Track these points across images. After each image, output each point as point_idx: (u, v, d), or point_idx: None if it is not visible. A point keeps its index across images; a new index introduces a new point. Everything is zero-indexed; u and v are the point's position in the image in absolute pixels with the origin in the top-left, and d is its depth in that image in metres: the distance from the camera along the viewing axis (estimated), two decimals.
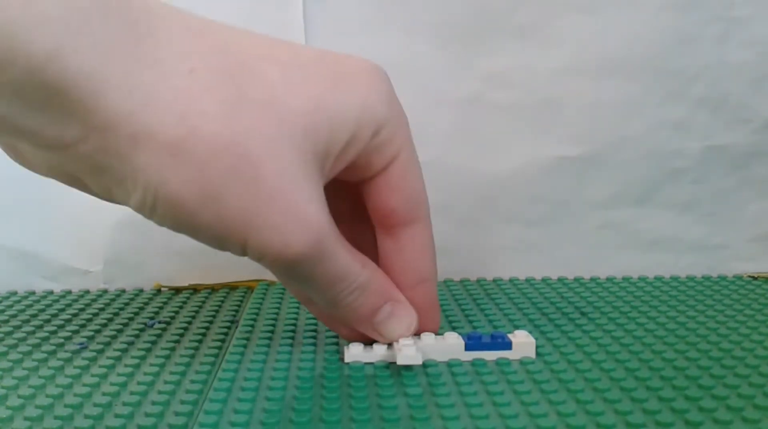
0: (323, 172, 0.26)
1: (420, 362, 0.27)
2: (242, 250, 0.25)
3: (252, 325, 0.34)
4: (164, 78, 0.23)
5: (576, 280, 0.43)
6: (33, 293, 0.42)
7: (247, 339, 0.32)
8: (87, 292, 0.42)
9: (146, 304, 0.39)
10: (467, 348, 0.29)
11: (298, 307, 0.37)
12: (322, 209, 0.25)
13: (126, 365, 0.28)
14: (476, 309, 0.37)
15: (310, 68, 0.26)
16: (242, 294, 0.41)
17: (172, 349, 0.31)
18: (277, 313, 0.36)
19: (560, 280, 0.43)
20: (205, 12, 0.43)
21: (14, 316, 0.36)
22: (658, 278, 0.44)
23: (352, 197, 0.29)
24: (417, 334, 0.29)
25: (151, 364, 0.28)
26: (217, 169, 0.23)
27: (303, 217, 0.24)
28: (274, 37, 0.27)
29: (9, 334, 0.33)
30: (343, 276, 0.27)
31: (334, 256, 0.26)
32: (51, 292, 0.42)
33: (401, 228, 0.28)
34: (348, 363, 0.29)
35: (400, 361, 0.27)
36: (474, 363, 0.28)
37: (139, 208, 0.24)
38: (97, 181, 0.24)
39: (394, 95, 0.28)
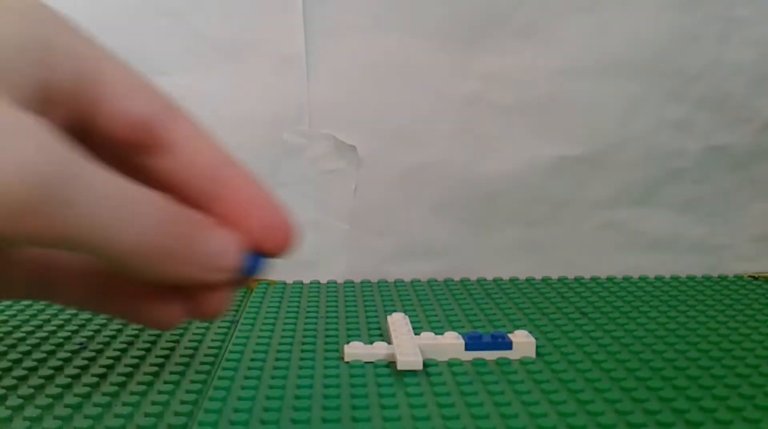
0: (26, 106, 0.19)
1: (420, 367, 0.27)
2: None
3: (252, 325, 0.34)
4: None
5: (576, 279, 0.43)
6: None
7: (247, 339, 0.32)
8: None
9: None
10: (467, 348, 0.29)
11: (298, 307, 0.37)
12: (41, 131, 0.19)
13: (126, 365, 0.28)
14: (476, 308, 0.37)
15: None
16: (242, 294, 0.41)
17: (172, 349, 0.30)
18: (277, 313, 0.36)
19: (560, 279, 0.43)
20: (207, 12, 0.43)
21: (14, 316, 0.36)
22: (659, 278, 0.44)
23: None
24: (264, 252, 0.23)
25: (151, 364, 0.28)
26: None
27: (13, 139, 0.18)
28: None
29: (8, 334, 0.33)
30: (121, 197, 0.20)
31: (95, 176, 0.19)
32: None
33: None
34: (348, 362, 0.29)
35: (400, 367, 0.27)
36: (474, 363, 0.28)
37: None
38: None
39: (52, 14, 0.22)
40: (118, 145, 0.22)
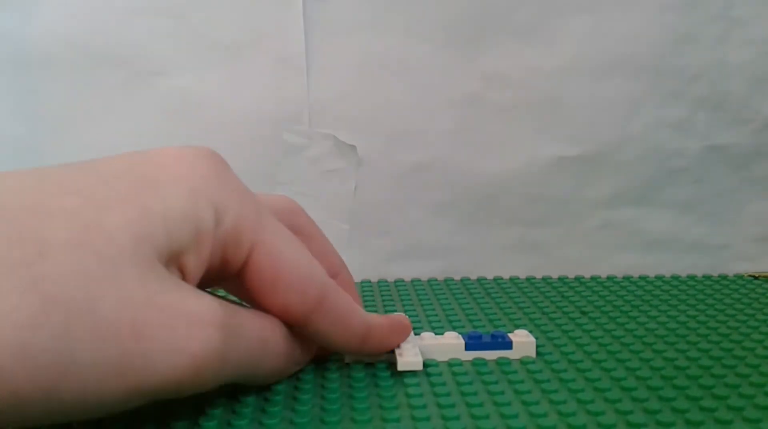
0: (181, 272, 0.22)
1: (421, 368, 0.27)
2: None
3: None
4: None
5: (577, 279, 0.43)
6: None
7: None
8: None
9: None
10: (467, 347, 0.29)
11: None
12: (200, 298, 0.21)
13: None
14: (477, 308, 0.37)
15: (117, 180, 0.21)
16: None
17: None
18: None
19: (561, 279, 0.43)
20: (207, 12, 0.43)
21: None
22: (659, 277, 0.44)
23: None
24: None
25: None
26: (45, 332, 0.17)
27: (184, 318, 0.20)
28: (67, 167, 0.21)
29: None
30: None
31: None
32: None
33: None
34: (348, 363, 0.29)
35: (400, 368, 0.27)
36: (474, 362, 0.28)
37: None
38: None
39: (230, 174, 0.24)
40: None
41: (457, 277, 0.44)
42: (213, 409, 0.24)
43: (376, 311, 0.36)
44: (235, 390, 0.25)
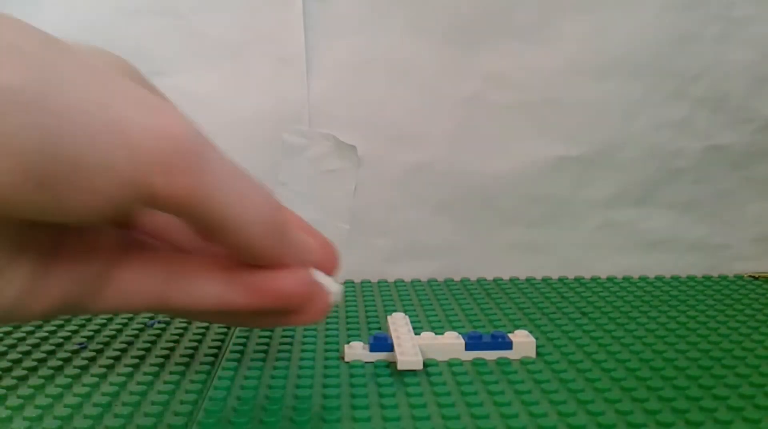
0: None
1: (421, 367, 0.27)
2: (126, 149, 0.19)
3: None
4: None
5: (576, 279, 0.43)
6: None
7: (247, 339, 0.32)
8: None
9: None
10: (467, 347, 0.29)
11: None
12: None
13: (126, 365, 0.28)
14: (477, 308, 0.37)
15: None
16: None
17: (172, 349, 0.30)
18: None
19: (561, 279, 0.43)
20: (207, 12, 0.43)
21: None
22: (659, 278, 0.44)
23: None
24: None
25: (151, 364, 0.28)
26: (31, 48, 0.18)
27: (171, 108, 0.20)
28: None
29: (8, 334, 0.33)
30: (247, 182, 0.22)
31: (220, 156, 0.21)
32: None
33: None
34: (348, 362, 0.29)
35: (400, 367, 0.27)
36: (474, 362, 0.28)
37: None
38: None
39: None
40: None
41: (457, 278, 0.44)
42: (213, 406, 0.24)
43: (376, 312, 0.36)
44: (236, 389, 0.25)
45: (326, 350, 0.30)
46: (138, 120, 0.19)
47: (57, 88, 0.18)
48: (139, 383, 0.26)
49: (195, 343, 0.31)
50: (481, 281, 0.43)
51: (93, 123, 0.18)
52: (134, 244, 0.24)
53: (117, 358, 0.29)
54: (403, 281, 0.43)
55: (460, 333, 0.30)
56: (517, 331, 0.30)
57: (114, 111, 0.19)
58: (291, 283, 0.23)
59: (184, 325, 0.34)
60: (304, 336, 0.32)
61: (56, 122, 0.18)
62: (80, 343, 0.31)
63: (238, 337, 0.32)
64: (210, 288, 0.23)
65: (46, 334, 0.33)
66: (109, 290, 0.22)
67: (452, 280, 0.43)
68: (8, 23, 0.19)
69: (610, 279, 0.43)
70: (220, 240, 0.22)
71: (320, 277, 0.25)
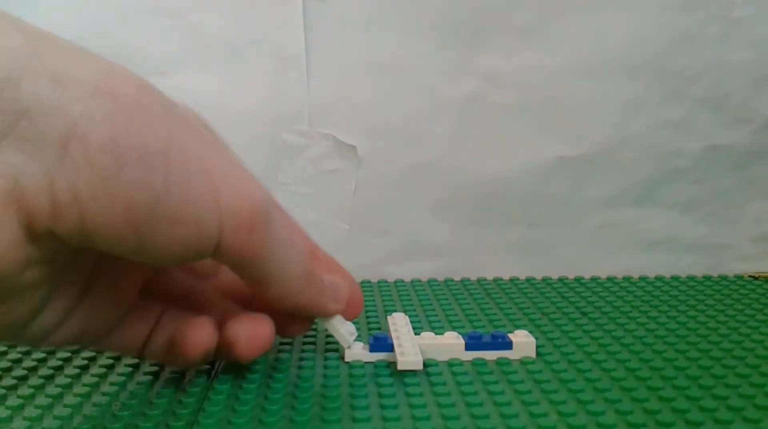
0: None
1: (421, 367, 0.27)
2: (217, 213, 0.21)
3: None
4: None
5: (576, 279, 0.43)
6: None
7: None
8: None
9: None
10: (468, 348, 0.29)
11: None
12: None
13: (126, 365, 0.28)
14: (477, 309, 0.37)
15: None
16: None
17: None
18: None
19: (561, 279, 0.43)
20: (207, 12, 0.43)
21: None
22: (659, 278, 0.44)
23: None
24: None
25: (151, 364, 0.28)
26: (158, 108, 0.21)
27: (250, 173, 0.23)
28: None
29: None
30: (291, 233, 0.25)
31: (278, 214, 0.24)
32: None
33: None
34: (348, 363, 0.29)
35: (400, 367, 0.27)
36: (474, 363, 0.28)
37: (99, 185, 0.19)
38: (37, 168, 0.19)
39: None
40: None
41: (457, 278, 0.44)
42: (212, 407, 0.24)
43: (376, 313, 0.36)
44: (236, 389, 0.25)
45: (326, 350, 0.30)
46: (230, 186, 0.21)
47: (176, 153, 0.20)
48: (139, 383, 0.26)
49: None
50: (481, 281, 0.43)
51: (195, 187, 0.21)
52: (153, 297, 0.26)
53: (117, 358, 0.29)
54: (403, 281, 0.43)
55: (460, 333, 0.30)
56: (517, 331, 0.30)
57: (213, 177, 0.21)
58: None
59: None
60: (304, 336, 0.32)
61: (167, 182, 0.20)
62: None
63: None
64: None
65: None
66: (121, 333, 0.25)
67: (452, 280, 0.43)
68: (133, 82, 0.21)
69: (610, 279, 0.43)
70: (271, 290, 0.24)
71: (342, 326, 0.28)
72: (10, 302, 0.20)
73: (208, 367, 0.28)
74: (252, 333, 0.25)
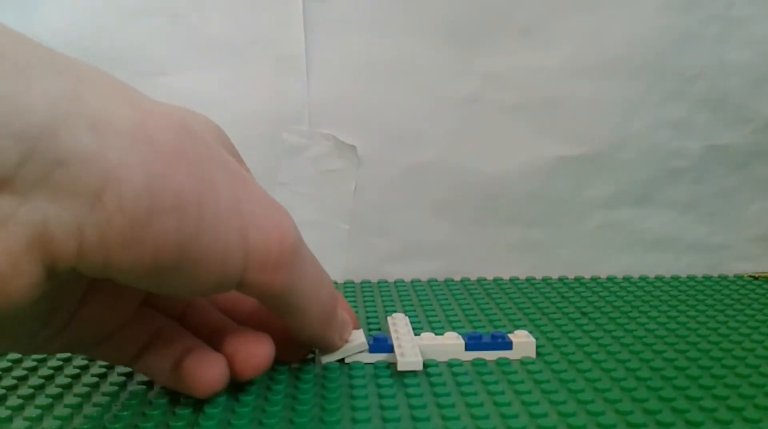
0: None
1: (421, 368, 0.27)
2: (243, 251, 0.21)
3: None
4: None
5: (576, 279, 0.43)
6: None
7: None
8: None
9: None
10: (467, 348, 0.29)
11: None
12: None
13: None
14: (477, 309, 0.37)
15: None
16: None
17: None
18: None
19: (561, 279, 0.43)
20: (207, 12, 0.43)
21: None
22: (659, 278, 0.44)
23: None
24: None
25: None
26: (192, 148, 0.20)
27: (281, 208, 0.23)
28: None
29: None
30: (319, 269, 0.25)
31: (306, 249, 0.24)
32: None
33: None
34: (348, 363, 0.29)
35: (400, 368, 0.27)
36: (474, 363, 0.28)
37: (128, 233, 0.19)
38: (67, 217, 0.18)
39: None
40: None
41: (457, 278, 0.44)
42: (213, 408, 0.24)
43: (376, 313, 0.36)
44: (235, 389, 0.25)
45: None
46: (258, 224, 0.22)
47: (208, 196, 0.20)
48: (139, 383, 0.26)
49: None
50: (481, 281, 0.43)
51: (225, 229, 0.21)
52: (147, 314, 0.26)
53: None
54: (403, 281, 0.43)
55: (460, 333, 0.30)
56: (517, 332, 0.30)
57: (243, 216, 0.21)
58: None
59: None
60: None
61: (198, 227, 0.20)
62: None
63: None
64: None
65: None
66: (113, 344, 0.25)
67: (452, 280, 0.43)
68: (170, 125, 0.20)
69: (610, 279, 0.43)
70: (294, 322, 0.25)
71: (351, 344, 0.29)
72: (11, 330, 0.21)
73: None
74: (252, 351, 0.25)
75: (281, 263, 0.22)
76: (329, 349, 0.28)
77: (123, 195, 0.19)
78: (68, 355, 0.30)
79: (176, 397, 0.25)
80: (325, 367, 0.28)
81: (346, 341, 0.28)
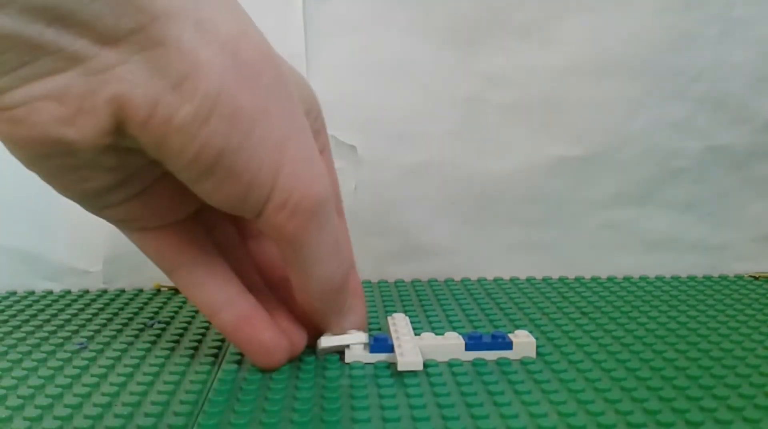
0: None
1: (421, 368, 0.27)
2: (270, 185, 0.23)
3: None
4: None
5: (577, 279, 0.43)
6: (32, 293, 0.42)
7: None
8: (86, 292, 0.42)
9: (146, 304, 0.39)
10: (468, 348, 0.29)
11: None
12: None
13: (126, 365, 0.28)
14: (477, 309, 0.37)
15: None
16: None
17: (172, 349, 0.30)
18: None
19: (561, 279, 0.43)
20: None
21: (14, 316, 0.36)
22: (659, 278, 0.44)
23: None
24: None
25: (151, 364, 0.28)
26: (267, 79, 0.23)
27: (323, 169, 0.25)
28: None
29: (8, 334, 0.33)
30: (339, 243, 0.26)
31: (333, 218, 0.26)
32: (50, 292, 0.42)
33: None
34: (348, 363, 0.29)
35: (401, 368, 0.27)
36: (474, 363, 0.28)
37: (189, 122, 0.22)
38: (151, 88, 0.21)
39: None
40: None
41: (458, 278, 0.44)
42: (212, 408, 0.24)
43: (376, 313, 0.36)
44: (235, 390, 0.25)
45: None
46: (293, 169, 0.24)
47: (261, 123, 0.23)
48: (139, 383, 0.26)
49: (195, 344, 0.31)
50: (481, 281, 0.43)
51: (261, 157, 0.23)
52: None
53: (117, 358, 0.29)
54: (403, 281, 0.43)
55: (460, 333, 0.30)
56: (517, 331, 0.30)
57: (283, 156, 0.23)
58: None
59: (184, 325, 0.34)
60: None
61: (241, 143, 0.22)
62: (80, 343, 0.31)
63: None
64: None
65: (46, 334, 0.33)
66: (160, 235, 0.27)
67: (452, 280, 0.43)
68: (258, 48, 0.23)
69: (610, 279, 0.43)
70: (297, 279, 0.26)
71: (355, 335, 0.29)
72: (85, 173, 0.23)
73: (208, 367, 0.28)
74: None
75: (299, 211, 0.24)
76: (326, 328, 0.29)
77: (198, 90, 0.22)
78: (68, 355, 0.30)
79: (176, 397, 0.25)
80: (325, 359, 0.28)
81: (344, 331, 0.28)
